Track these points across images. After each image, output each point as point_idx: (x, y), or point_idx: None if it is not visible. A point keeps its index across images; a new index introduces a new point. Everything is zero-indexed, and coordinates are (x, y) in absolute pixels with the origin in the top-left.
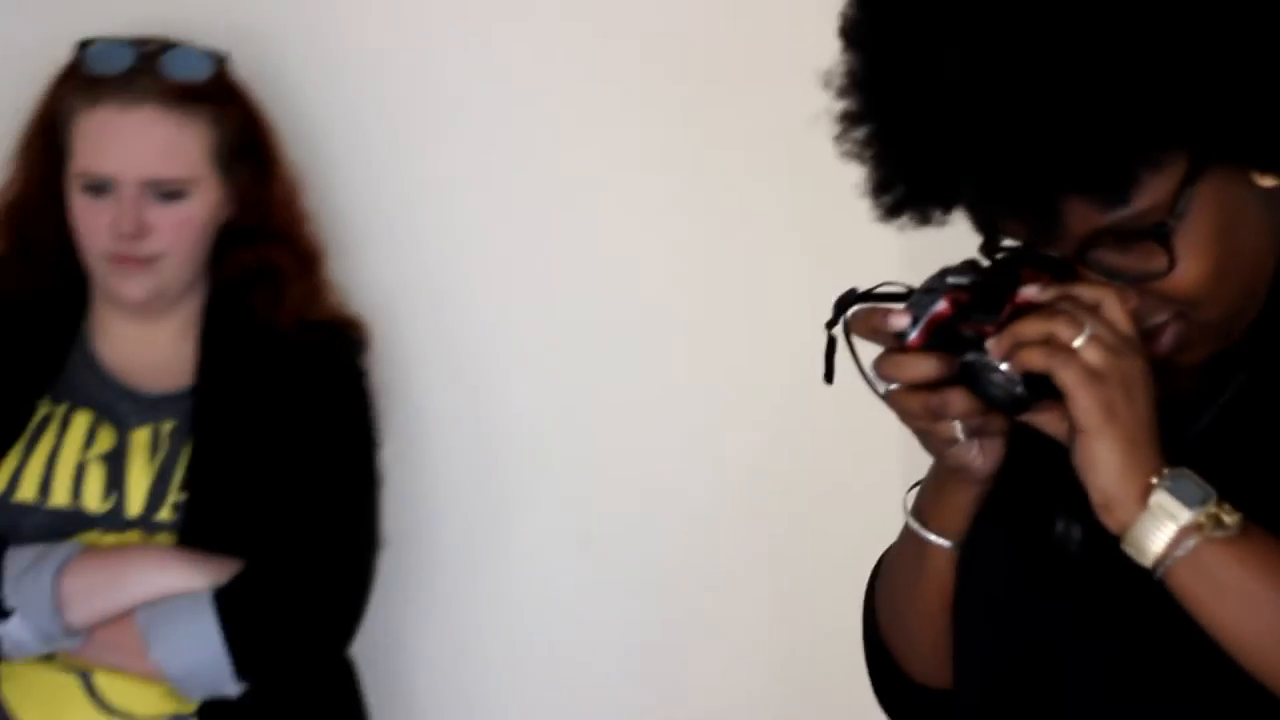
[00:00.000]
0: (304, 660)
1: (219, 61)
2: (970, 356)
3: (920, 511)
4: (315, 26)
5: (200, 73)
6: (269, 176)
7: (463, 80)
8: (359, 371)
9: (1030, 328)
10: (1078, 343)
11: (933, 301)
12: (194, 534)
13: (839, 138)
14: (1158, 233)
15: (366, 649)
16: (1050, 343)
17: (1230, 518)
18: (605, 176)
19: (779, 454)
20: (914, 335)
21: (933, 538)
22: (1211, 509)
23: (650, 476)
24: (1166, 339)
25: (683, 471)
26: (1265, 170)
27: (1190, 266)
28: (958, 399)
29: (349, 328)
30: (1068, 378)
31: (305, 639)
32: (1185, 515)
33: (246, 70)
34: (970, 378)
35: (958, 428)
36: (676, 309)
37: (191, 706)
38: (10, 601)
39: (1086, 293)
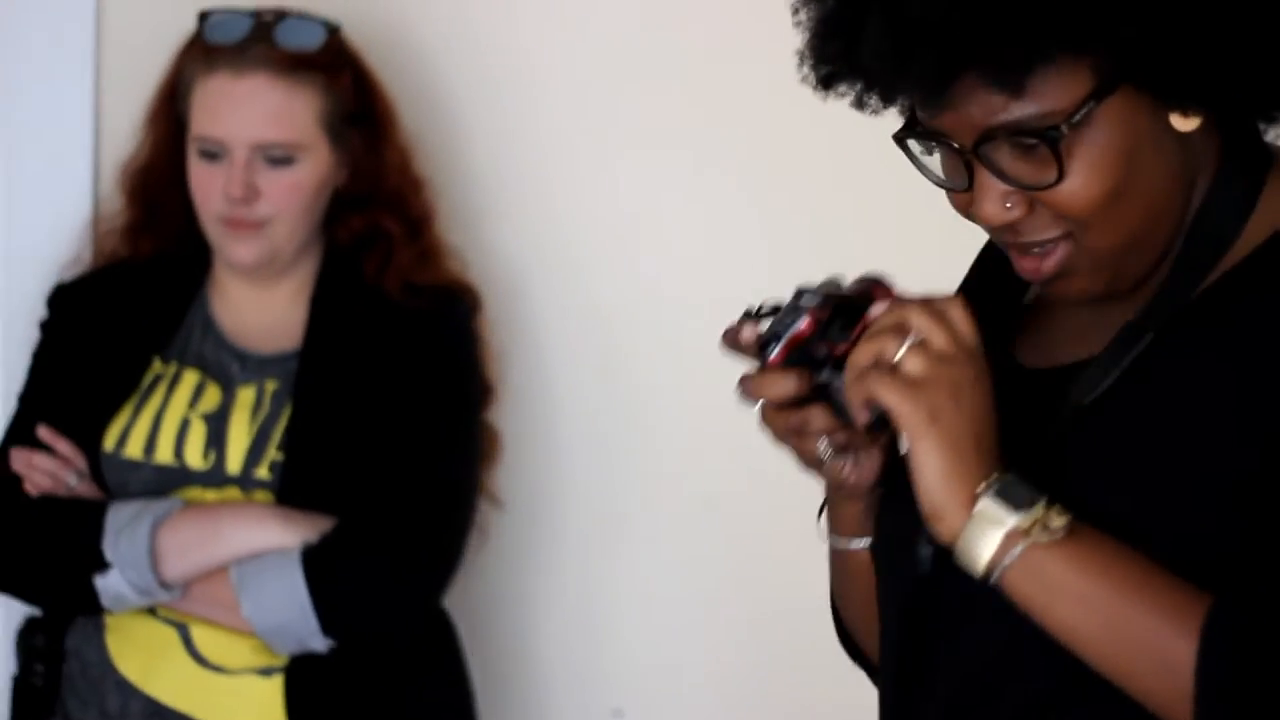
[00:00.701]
0: (388, 619)
1: (332, 31)
2: (824, 376)
3: (828, 517)
4: None
5: (311, 42)
6: (381, 144)
7: (600, 45)
8: (464, 335)
9: (862, 353)
10: (899, 355)
11: (795, 320)
12: (290, 493)
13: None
14: (1049, 136)
15: (484, 612)
16: (878, 363)
17: (1058, 520)
18: (766, 142)
19: None
20: (774, 354)
21: (841, 543)
22: (1038, 513)
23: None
24: (1051, 261)
25: None
26: (1180, 108)
27: (1081, 183)
28: (817, 417)
29: (458, 292)
30: (885, 394)
31: (388, 599)
32: (1011, 520)
33: (381, 38)
34: (827, 397)
35: (823, 445)
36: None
37: (282, 660)
38: (109, 555)
39: (928, 304)
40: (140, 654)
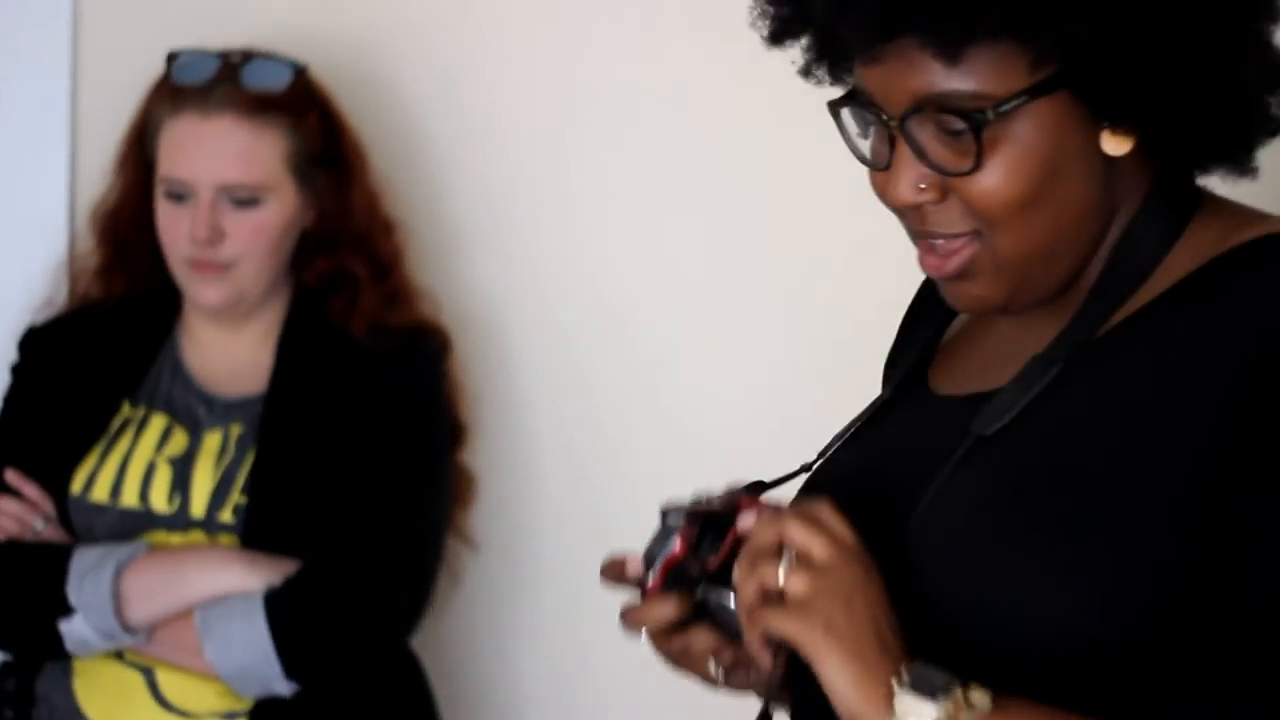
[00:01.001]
0: (351, 662)
1: (298, 72)
2: (701, 593)
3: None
4: (430, 30)
5: (278, 82)
6: (348, 185)
7: (574, 79)
8: (429, 376)
9: (747, 589)
10: (781, 579)
11: (666, 544)
12: (254, 536)
13: None
14: (974, 118)
15: (463, 654)
16: (764, 595)
17: (978, 696)
18: (728, 178)
19: None
20: (651, 581)
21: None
22: (957, 696)
23: None
24: (955, 261)
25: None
26: (1113, 125)
27: (997, 180)
28: (700, 639)
29: (426, 333)
30: (779, 625)
31: (351, 641)
32: (931, 711)
33: (356, 78)
34: (708, 615)
35: (711, 666)
36: (795, 314)
37: (247, 704)
38: (73, 599)
39: (799, 514)
40: (106, 698)
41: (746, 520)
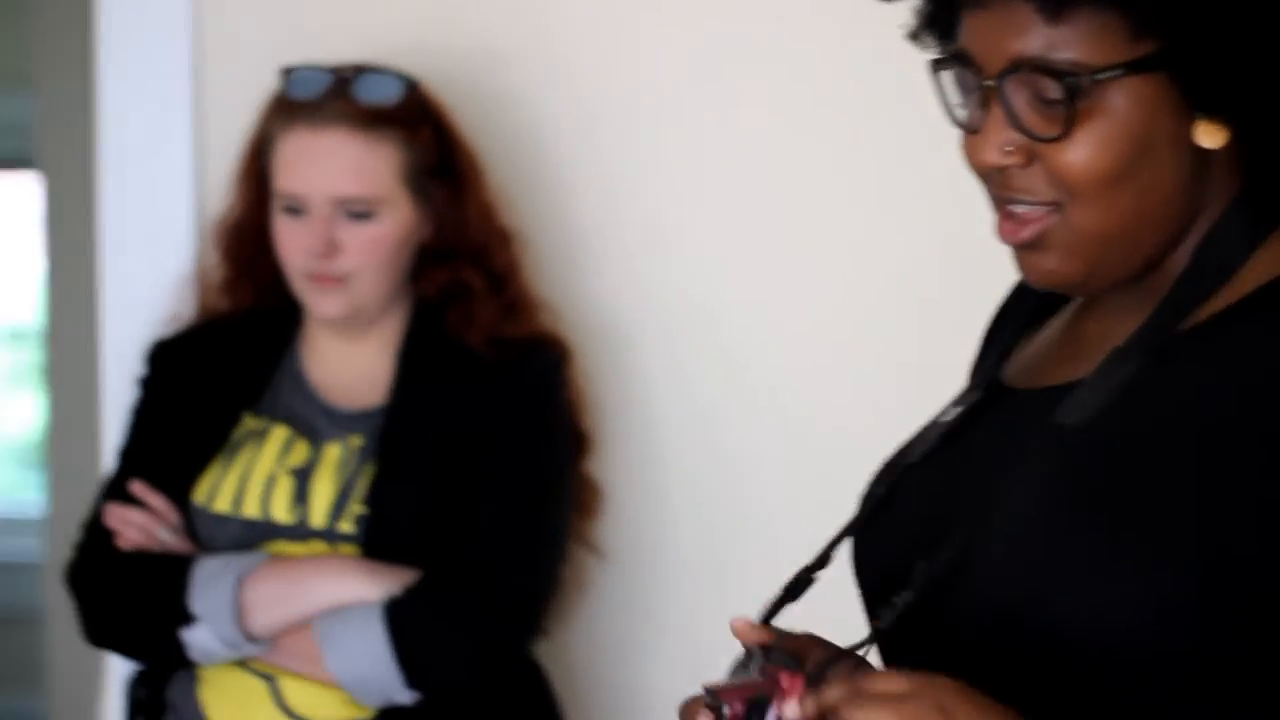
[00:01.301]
0: (470, 671)
1: (411, 86)
2: None
3: None
4: (556, 42)
5: (390, 96)
6: (463, 198)
7: (703, 87)
8: (548, 386)
9: None
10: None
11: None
12: (374, 546)
13: None
14: (1069, 82)
15: (588, 663)
16: None
17: None
18: (857, 185)
19: None
20: None
21: None
22: None
23: None
24: (1030, 229)
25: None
26: (1208, 115)
27: (1085, 150)
28: None
29: (544, 344)
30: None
31: (470, 650)
32: None
33: (481, 87)
34: None
35: None
36: (921, 315)
37: (370, 712)
38: (195, 608)
39: (850, 696)
40: (231, 706)
41: (790, 711)
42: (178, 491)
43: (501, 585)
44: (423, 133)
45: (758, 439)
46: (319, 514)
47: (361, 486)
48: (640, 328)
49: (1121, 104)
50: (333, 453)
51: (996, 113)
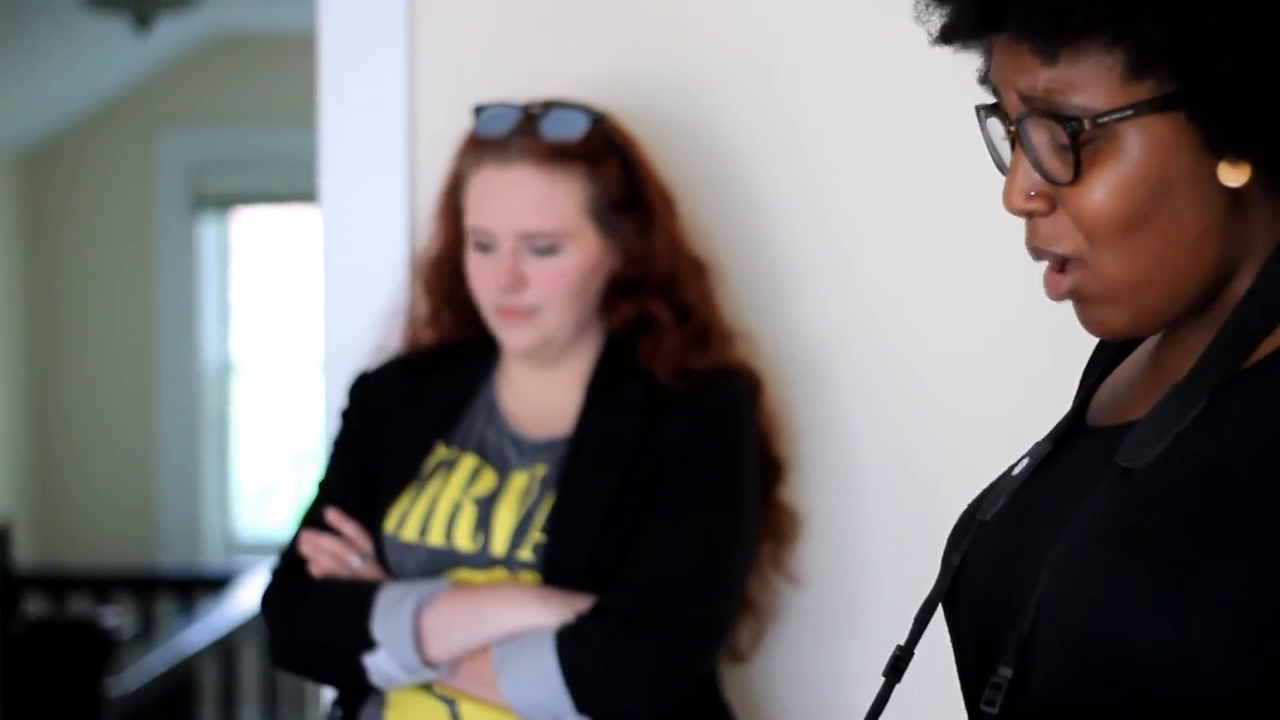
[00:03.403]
0: (640, 699)
1: (596, 120)
2: None
3: None
4: (755, 71)
5: (574, 131)
6: (650, 229)
7: (902, 115)
8: (734, 416)
9: None
10: None
11: None
12: (553, 574)
13: None
14: (1070, 126)
15: (785, 692)
16: None
17: None
18: None
19: None
20: None
21: None
22: None
23: None
24: (1065, 283)
25: None
26: (1225, 154)
27: (1100, 195)
28: None
29: (733, 374)
30: None
31: (639, 678)
32: None
33: (679, 117)
34: None
35: None
36: None
37: None
38: (376, 634)
39: None
40: None
41: None
42: (371, 520)
43: (673, 614)
44: (608, 166)
45: (959, 466)
46: (500, 542)
47: (542, 515)
48: (838, 353)
49: (1135, 146)
50: (518, 481)
51: (1019, 158)
